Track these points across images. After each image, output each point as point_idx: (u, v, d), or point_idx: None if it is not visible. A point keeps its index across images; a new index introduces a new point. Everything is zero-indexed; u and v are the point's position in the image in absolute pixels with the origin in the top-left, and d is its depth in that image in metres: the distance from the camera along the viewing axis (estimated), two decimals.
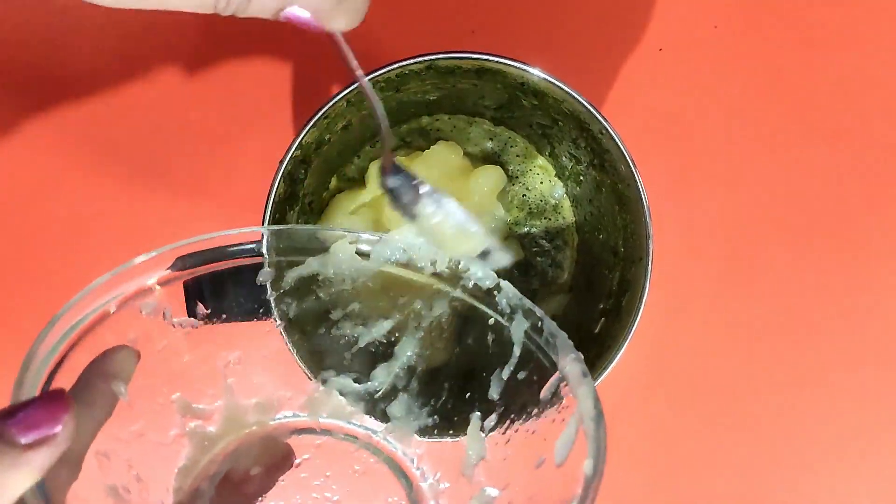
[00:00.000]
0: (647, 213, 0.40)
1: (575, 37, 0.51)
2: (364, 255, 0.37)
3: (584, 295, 0.47)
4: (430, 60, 0.40)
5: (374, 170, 0.46)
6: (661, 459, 0.52)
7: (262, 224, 0.40)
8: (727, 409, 0.52)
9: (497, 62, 0.40)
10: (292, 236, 0.36)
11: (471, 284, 0.36)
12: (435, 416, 0.39)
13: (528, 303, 0.35)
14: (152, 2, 0.31)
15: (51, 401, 0.27)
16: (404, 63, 0.39)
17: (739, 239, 0.52)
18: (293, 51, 0.50)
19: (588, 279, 0.48)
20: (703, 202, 0.51)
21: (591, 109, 0.40)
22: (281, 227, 0.36)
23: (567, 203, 0.49)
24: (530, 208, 0.49)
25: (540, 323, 0.34)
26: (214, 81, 0.51)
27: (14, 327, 0.51)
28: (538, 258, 0.49)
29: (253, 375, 0.38)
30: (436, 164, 0.46)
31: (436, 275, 0.37)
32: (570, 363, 0.33)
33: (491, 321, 0.36)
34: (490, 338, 0.36)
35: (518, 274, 0.49)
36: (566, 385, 0.33)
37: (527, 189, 0.49)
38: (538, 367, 0.35)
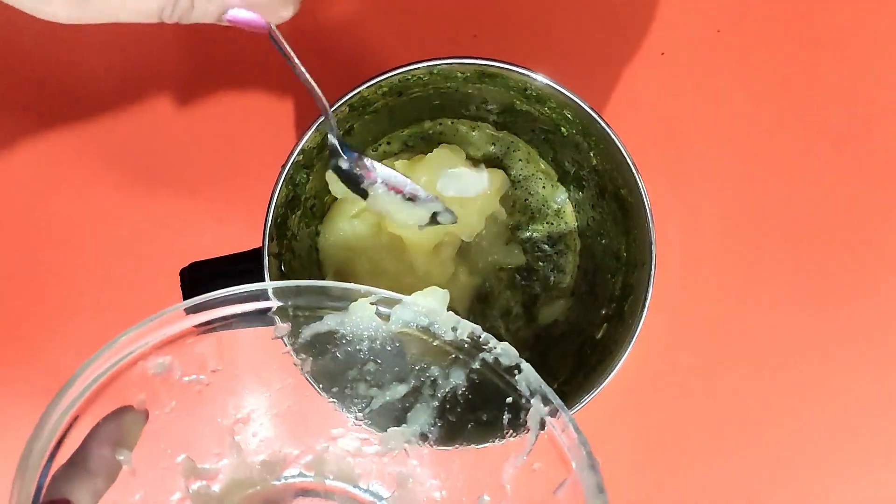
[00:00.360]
0: (649, 217, 0.40)
1: (577, 41, 0.51)
2: (384, 316, 0.36)
3: (587, 300, 0.47)
4: (433, 65, 0.40)
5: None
6: (663, 464, 0.52)
7: (265, 228, 0.40)
8: (730, 414, 0.51)
9: (499, 67, 0.40)
10: (311, 291, 0.35)
11: (491, 359, 0.36)
12: (443, 492, 0.38)
13: (547, 389, 0.34)
14: (97, 16, 0.31)
15: None
16: (407, 68, 0.40)
17: (742, 244, 0.52)
18: (296, 54, 0.50)
19: (590, 284, 0.48)
20: (706, 207, 0.51)
21: (594, 114, 0.40)
22: (299, 283, 0.35)
23: (569, 208, 0.49)
24: (532, 213, 0.49)
25: (558, 413, 0.33)
26: (218, 86, 0.51)
27: (16, 331, 0.51)
28: (540, 263, 0.49)
29: (261, 432, 0.38)
30: (438, 167, 0.46)
31: (456, 343, 0.36)
32: (586, 470, 0.32)
33: (508, 400, 0.35)
34: (506, 417, 0.36)
35: (521, 279, 0.49)
36: (579, 488, 0.32)
37: (529, 194, 0.49)
38: (553, 460, 0.34)
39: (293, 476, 0.39)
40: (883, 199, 0.52)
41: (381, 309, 0.36)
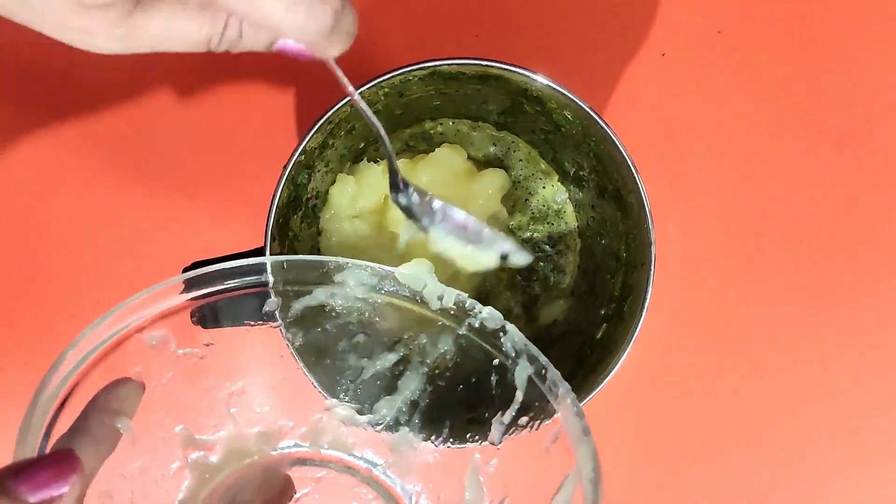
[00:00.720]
0: (649, 218, 0.40)
1: (578, 42, 0.51)
2: (373, 288, 0.37)
3: (587, 300, 0.48)
4: (434, 66, 0.40)
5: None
6: (663, 464, 0.52)
7: (266, 228, 0.40)
8: (729, 414, 0.52)
9: (500, 68, 0.40)
10: (300, 266, 0.36)
11: (477, 324, 0.37)
12: (436, 454, 0.39)
13: (533, 348, 0.35)
14: (143, 47, 0.31)
15: (60, 461, 0.28)
16: (409, 69, 0.40)
17: (742, 244, 0.52)
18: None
19: (590, 284, 0.48)
20: (706, 208, 0.52)
21: (594, 115, 0.40)
22: (289, 257, 0.36)
23: (570, 208, 0.49)
24: (533, 213, 0.49)
25: (544, 370, 0.34)
26: (219, 86, 0.51)
27: (17, 332, 0.51)
28: (541, 263, 0.49)
29: (256, 405, 0.39)
30: (440, 166, 0.46)
31: (443, 311, 0.37)
32: (571, 417, 0.33)
33: (495, 362, 0.36)
34: (493, 378, 0.36)
35: (521, 279, 0.49)
36: (567, 438, 0.33)
37: (530, 194, 0.49)
38: (540, 415, 0.34)
39: (289, 446, 0.39)
40: (883, 199, 0.52)
41: (370, 280, 0.37)
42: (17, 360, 0.51)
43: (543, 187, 0.49)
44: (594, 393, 0.40)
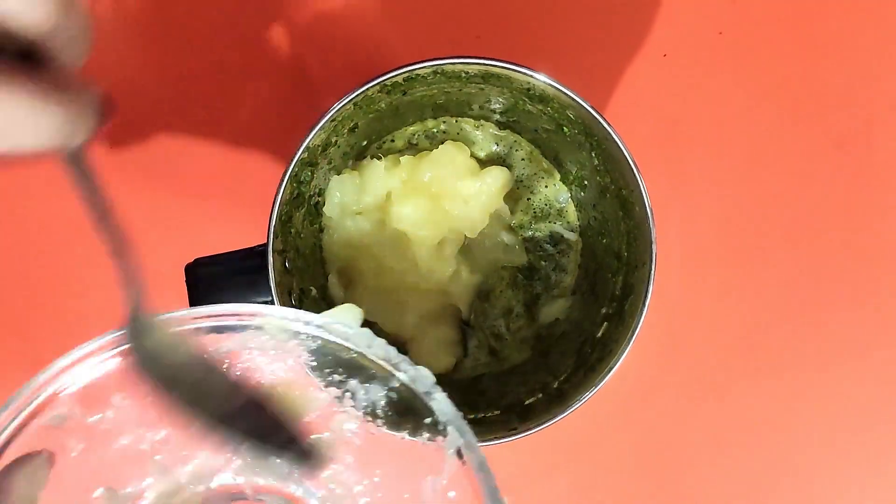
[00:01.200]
0: (650, 218, 0.40)
1: (579, 42, 0.51)
2: (294, 334, 0.34)
3: (588, 299, 0.48)
4: (437, 65, 0.40)
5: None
6: (662, 464, 0.52)
7: (269, 225, 0.40)
8: (729, 414, 0.52)
9: (503, 67, 0.40)
10: (213, 315, 0.33)
11: (407, 379, 0.33)
12: (367, 498, 0.38)
13: (461, 423, 0.32)
14: None
15: None
16: (412, 67, 0.40)
17: (743, 244, 0.52)
18: (301, 53, 0.50)
19: (591, 283, 0.48)
20: (707, 207, 0.52)
21: (596, 115, 0.40)
22: (191, 311, 0.33)
23: (571, 207, 0.49)
24: (535, 212, 0.49)
25: (470, 449, 0.32)
26: (221, 84, 0.51)
27: (18, 333, 0.51)
28: (542, 262, 0.49)
29: (183, 448, 0.37)
30: (443, 163, 0.46)
31: (372, 361, 0.34)
32: None
33: (427, 421, 0.33)
34: (425, 436, 0.34)
35: (522, 278, 0.49)
36: None
37: (532, 193, 0.49)
38: (467, 492, 0.32)
39: (224, 482, 0.38)
40: (883, 200, 0.52)
41: (292, 327, 0.34)
42: (18, 360, 0.51)
43: (545, 186, 0.49)
44: (594, 391, 0.40)
